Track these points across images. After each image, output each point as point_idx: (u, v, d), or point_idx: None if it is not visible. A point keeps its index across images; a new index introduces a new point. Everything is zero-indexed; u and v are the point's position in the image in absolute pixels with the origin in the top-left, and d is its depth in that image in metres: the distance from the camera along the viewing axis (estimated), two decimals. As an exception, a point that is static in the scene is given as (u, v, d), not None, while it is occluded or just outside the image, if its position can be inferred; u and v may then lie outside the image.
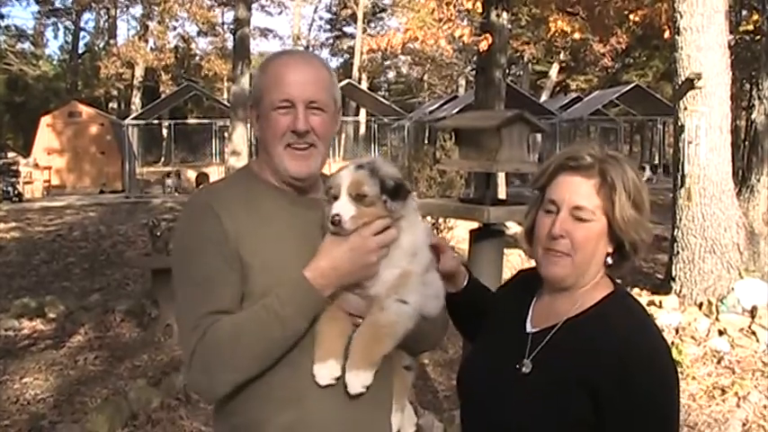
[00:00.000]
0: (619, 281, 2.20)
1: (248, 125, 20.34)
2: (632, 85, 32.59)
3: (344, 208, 2.06)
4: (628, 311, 2.08)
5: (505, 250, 4.61)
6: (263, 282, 2.12)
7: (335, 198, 2.09)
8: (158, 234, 8.33)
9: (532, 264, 2.24)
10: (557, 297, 2.15)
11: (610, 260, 2.11)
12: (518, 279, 2.42)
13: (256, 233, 2.17)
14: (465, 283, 2.43)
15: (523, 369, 2.09)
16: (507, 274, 10.25)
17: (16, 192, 24.94)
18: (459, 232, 12.11)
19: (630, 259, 2.13)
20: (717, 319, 8.30)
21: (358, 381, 2.08)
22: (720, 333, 7.94)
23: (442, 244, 2.35)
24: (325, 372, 2.10)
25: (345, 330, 2.13)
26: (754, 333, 7.88)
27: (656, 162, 33.44)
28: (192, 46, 53.08)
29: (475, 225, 4.21)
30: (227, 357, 2.05)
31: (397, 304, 2.10)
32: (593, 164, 2.05)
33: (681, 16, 9.03)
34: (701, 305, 8.69)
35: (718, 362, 7.32)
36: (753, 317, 8.19)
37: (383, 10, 55.28)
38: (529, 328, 2.17)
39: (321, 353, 2.11)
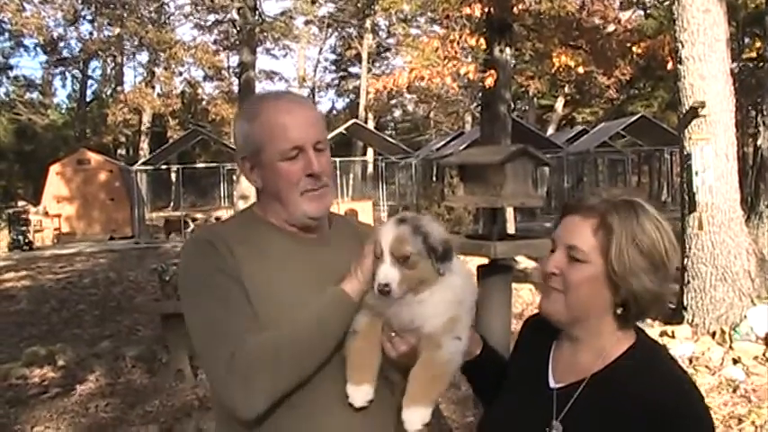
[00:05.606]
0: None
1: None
2: (638, 116, 32.49)
3: (391, 275, 2.03)
4: (659, 363, 1.99)
5: (515, 285, 4.58)
6: (262, 315, 2.12)
7: (379, 258, 2.07)
8: (167, 279, 8.31)
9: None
10: (577, 348, 2.06)
11: (620, 310, 1.98)
12: (528, 328, 2.34)
13: (252, 266, 2.17)
14: (479, 351, 2.34)
15: None
16: (518, 308, 10.32)
17: (27, 240, 25.08)
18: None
19: (636, 312, 1.98)
20: (730, 347, 8.23)
21: (418, 417, 2.04)
22: (735, 362, 7.87)
23: None
24: (360, 395, 2.12)
25: (377, 357, 2.15)
26: (768, 361, 7.82)
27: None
28: (199, 91, 53.44)
29: (484, 261, 4.19)
30: (269, 369, 2.03)
31: (453, 342, 2.09)
32: (595, 205, 1.98)
33: (682, 46, 9.07)
34: (713, 334, 8.62)
35: (734, 391, 7.24)
36: (767, 344, 8.12)
37: (387, 49, 55.83)
38: (552, 384, 2.08)
39: (356, 377, 2.13)
